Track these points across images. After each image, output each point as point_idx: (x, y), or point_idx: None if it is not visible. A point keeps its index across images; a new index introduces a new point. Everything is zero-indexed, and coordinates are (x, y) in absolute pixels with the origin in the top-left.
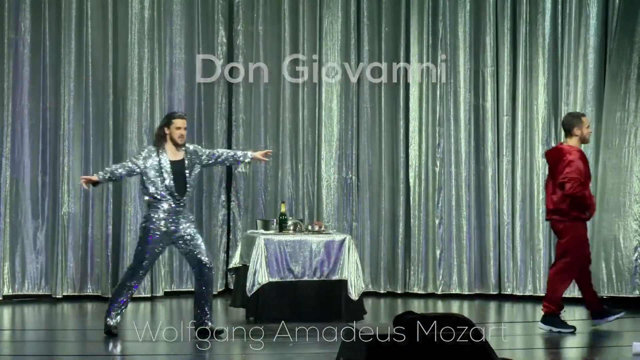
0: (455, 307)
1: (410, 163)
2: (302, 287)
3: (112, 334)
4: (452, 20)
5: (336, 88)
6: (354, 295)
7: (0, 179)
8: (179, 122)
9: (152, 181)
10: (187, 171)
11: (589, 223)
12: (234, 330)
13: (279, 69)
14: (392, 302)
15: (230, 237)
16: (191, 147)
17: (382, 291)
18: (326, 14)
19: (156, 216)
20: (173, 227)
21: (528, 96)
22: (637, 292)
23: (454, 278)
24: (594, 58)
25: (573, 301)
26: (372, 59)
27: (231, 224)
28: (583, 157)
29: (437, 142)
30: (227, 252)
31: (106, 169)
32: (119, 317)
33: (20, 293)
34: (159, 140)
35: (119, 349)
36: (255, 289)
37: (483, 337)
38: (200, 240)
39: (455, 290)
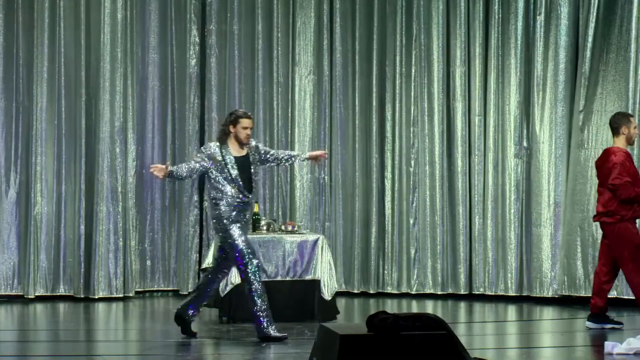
0: (429, 307)
1: (384, 163)
2: (275, 287)
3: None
4: (426, 21)
5: (309, 88)
6: (327, 295)
7: None
8: (246, 122)
9: (217, 178)
10: (252, 167)
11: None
12: (207, 331)
13: (252, 68)
14: (365, 302)
15: (203, 237)
16: (253, 142)
17: (355, 291)
18: (299, 14)
19: (224, 214)
20: (240, 221)
21: (500, 96)
22: (615, 292)
23: (429, 278)
24: (565, 58)
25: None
26: (345, 59)
27: (204, 224)
28: (628, 157)
29: (412, 142)
30: (199, 253)
31: (178, 165)
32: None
33: None
34: (222, 137)
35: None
36: (228, 289)
37: (451, 331)
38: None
39: (429, 290)
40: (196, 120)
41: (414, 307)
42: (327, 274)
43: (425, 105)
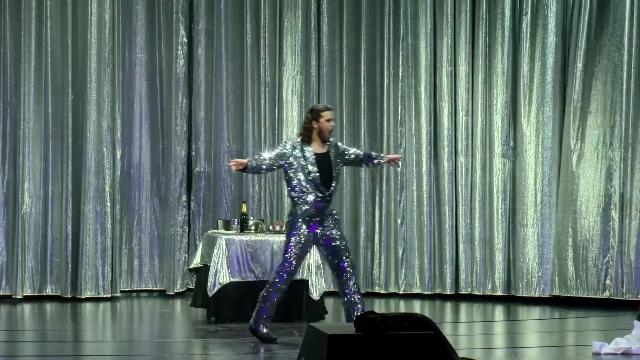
0: (416, 306)
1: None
2: (263, 287)
3: (269, 339)
4: (413, 21)
5: (297, 87)
6: (315, 295)
7: None
8: (328, 114)
9: (296, 174)
10: (332, 164)
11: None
12: (194, 331)
13: (241, 68)
14: None
15: (191, 237)
16: (332, 139)
17: None
18: (287, 14)
19: (300, 211)
20: (316, 224)
21: (487, 96)
22: (607, 293)
23: (416, 278)
24: (553, 58)
25: None
26: (332, 59)
27: (192, 224)
28: None
29: (399, 142)
30: (187, 253)
31: (254, 157)
32: (269, 321)
33: None
34: (305, 134)
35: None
36: (216, 289)
37: (439, 331)
38: (343, 245)
39: (417, 290)
40: (184, 120)
41: (402, 307)
42: (315, 274)
43: (413, 106)
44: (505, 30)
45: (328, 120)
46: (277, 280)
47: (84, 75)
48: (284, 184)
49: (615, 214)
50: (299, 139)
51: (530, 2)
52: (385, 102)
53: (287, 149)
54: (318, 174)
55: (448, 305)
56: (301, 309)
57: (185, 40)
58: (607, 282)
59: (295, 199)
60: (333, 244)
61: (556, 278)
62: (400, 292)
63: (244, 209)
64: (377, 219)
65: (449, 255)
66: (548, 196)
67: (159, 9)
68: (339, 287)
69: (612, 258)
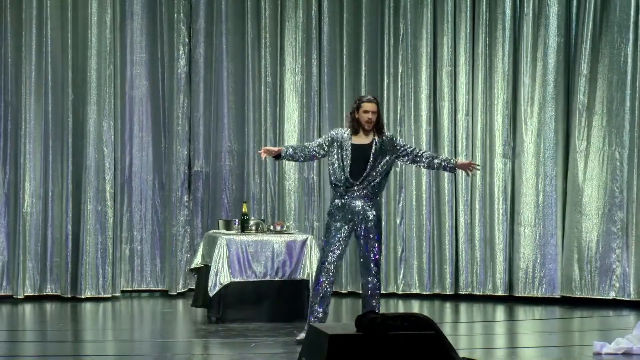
0: (415, 307)
1: None
2: (264, 287)
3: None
4: (413, 21)
5: (297, 87)
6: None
7: None
8: (367, 106)
9: (332, 164)
10: (371, 156)
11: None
12: (195, 331)
13: (242, 68)
14: (354, 302)
15: (191, 237)
16: (389, 134)
17: (343, 291)
18: (288, 14)
19: (335, 202)
20: (349, 216)
21: (488, 96)
22: (613, 293)
23: (415, 277)
24: (555, 58)
25: None
26: (333, 59)
27: (194, 224)
28: None
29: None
30: (189, 253)
31: (292, 145)
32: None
33: None
34: (351, 124)
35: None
36: (217, 289)
37: (440, 331)
38: (371, 245)
39: (415, 290)
40: (186, 120)
41: (401, 307)
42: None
43: (412, 106)
44: (505, 30)
45: (365, 112)
46: (322, 280)
47: (84, 75)
48: (286, 184)
49: (620, 214)
50: (344, 130)
51: (531, 3)
52: (385, 102)
53: (328, 139)
54: (350, 166)
55: (448, 306)
56: (302, 309)
57: (186, 40)
58: (613, 282)
59: (332, 187)
60: (362, 244)
61: (560, 278)
62: (399, 292)
63: (244, 209)
64: None
65: (449, 255)
66: (550, 196)
67: (160, 9)
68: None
69: (618, 258)
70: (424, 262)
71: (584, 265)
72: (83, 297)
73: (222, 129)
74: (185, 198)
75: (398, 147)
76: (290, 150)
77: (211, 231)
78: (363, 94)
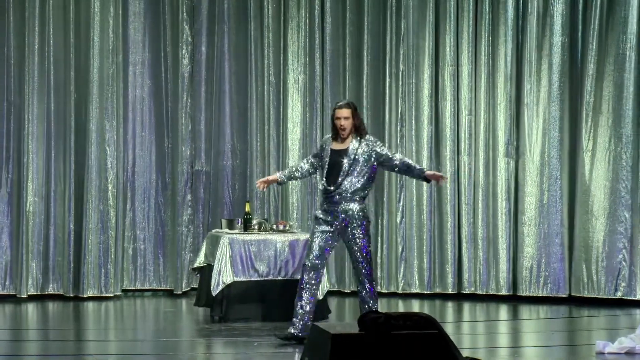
0: (415, 306)
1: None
2: (267, 286)
3: (294, 339)
4: (415, 20)
5: (300, 87)
6: (318, 294)
7: None
8: (339, 112)
9: (319, 169)
10: (345, 160)
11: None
12: (198, 330)
13: (244, 67)
14: (357, 302)
15: (195, 236)
16: (371, 138)
17: (346, 290)
18: (290, 13)
19: (320, 207)
20: (332, 221)
21: (491, 96)
22: (619, 293)
23: (415, 277)
24: (560, 57)
25: None
26: (336, 59)
27: (195, 222)
28: None
29: (399, 141)
30: (192, 252)
31: (284, 171)
32: (300, 323)
33: None
34: (332, 130)
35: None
36: (219, 288)
37: (443, 330)
38: (359, 253)
39: (416, 289)
40: (189, 120)
41: (401, 307)
42: None
43: (414, 105)
44: (508, 29)
45: (337, 119)
46: (305, 279)
47: (86, 75)
48: (289, 183)
49: (626, 214)
50: (330, 136)
51: (535, 2)
52: (387, 101)
53: (318, 147)
54: (327, 171)
55: (450, 305)
56: None
57: (189, 39)
58: (619, 282)
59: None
60: (350, 251)
61: (566, 278)
62: (399, 292)
63: (247, 208)
64: (379, 218)
65: (451, 255)
66: (555, 195)
67: (163, 8)
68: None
69: (625, 258)
70: (424, 262)
71: (590, 265)
72: (85, 296)
73: (225, 128)
74: (189, 197)
75: (378, 150)
76: (287, 172)
77: (214, 230)
78: (365, 93)
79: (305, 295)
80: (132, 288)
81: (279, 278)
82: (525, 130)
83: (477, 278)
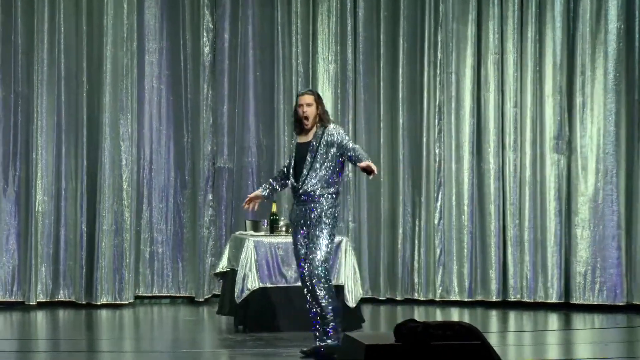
0: (455, 315)
1: (411, 159)
2: (295, 293)
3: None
4: (456, 3)
5: (331, 78)
6: (351, 302)
7: None
8: (301, 99)
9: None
10: (309, 154)
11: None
12: (220, 341)
13: (271, 56)
14: (392, 310)
15: (216, 238)
16: (331, 126)
17: (381, 298)
18: None
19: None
20: (297, 217)
21: (538, 86)
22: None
23: (454, 283)
24: (616, 44)
25: None
26: (369, 46)
27: (217, 224)
28: None
29: (438, 135)
30: (214, 255)
31: (270, 181)
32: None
33: None
34: (295, 123)
35: None
36: (244, 295)
37: (486, 341)
38: (317, 247)
39: (455, 296)
40: (210, 112)
41: (439, 316)
42: (351, 280)
43: (455, 96)
44: (556, 14)
45: (300, 106)
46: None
47: (99, 64)
48: None
49: None
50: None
51: None
52: (425, 92)
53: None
54: (293, 166)
55: (493, 314)
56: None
57: (210, 26)
58: None
59: None
60: (308, 245)
61: (623, 284)
62: (437, 299)
63: (273, 209)
64: (415, 219)
65: (495, 259)
66: (611, 195)
67: None
68: None
69: None
70: (465, 266)
71: None
72: (99, 303)
73: (249, 123)
74: (210, 197)
75: (339, 141)
76: (268, 184)
77: (237, 232)
78: (401, 83)
79: (310, 299)
80: (149, 295)
81: None
82: (578, 124)
83: (523, 284)
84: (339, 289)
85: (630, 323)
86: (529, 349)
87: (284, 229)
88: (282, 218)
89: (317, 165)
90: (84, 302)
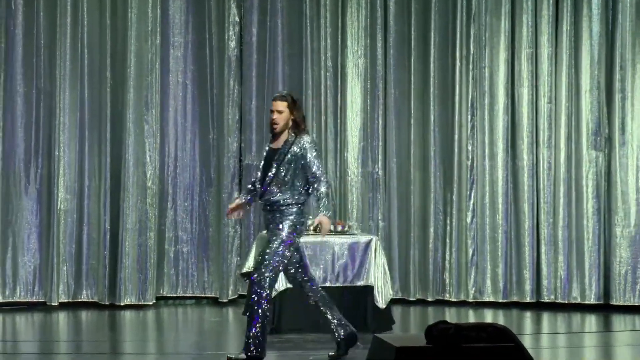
0: (489, 316)
1: (443, 156)
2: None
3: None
4: None
5: (360, 72)
6: (381, 303)
7: None
8: (272, 105)
9: None
10: (275, 162)
11: None
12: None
13: (300, 50)
14: (423, 311)
15: (243, 238)
16: (305, 139)
17: (412, 299)
18: None
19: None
20: (264, 222)
21: (574, 81)
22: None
23: (488, 283)
24: None
25: None
26: (400, 40)
27: (244, 223)
28: None
29: (471, 132)
30: (239, 255)
31: (249, 186)
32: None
33: (12, 300)
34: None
35: None
36: (272, 294)
37: (520, 343)
38: (270, 248)
39: (488, 297)
40: (236, 109)
41: (472, 317)
42: (381, 280)
43: (488, 92)
44: (593, 7)
45: (271, 112)
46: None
47: (123, 59)
48: (348, 179)
49: None
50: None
51: None
52: (457, 87)
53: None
54: (261, 173)
55: (528, 315)
56: (365, 318)
57: (237, 19)
58: None
59: None
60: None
61: None
62: (470, 300)
63: None
64: (447, 218)
65: (529, 259)
66: None
67: None
68: None
69: None
70: (499, 267)
71: None
72: (122, 304)
73: None
74: (236, 195)
75: (305, 156)
76: (251, 187)
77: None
78: (433, 78)
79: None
80: (174, 295)
81: (337, 284)
82: (617, 120)
83: (557, 285)
84: (369, 290)
85: None
86: (563, 351)
87: (311, 228)
88: (310, 217)
89: (282, 172)
90: (107, 303)
